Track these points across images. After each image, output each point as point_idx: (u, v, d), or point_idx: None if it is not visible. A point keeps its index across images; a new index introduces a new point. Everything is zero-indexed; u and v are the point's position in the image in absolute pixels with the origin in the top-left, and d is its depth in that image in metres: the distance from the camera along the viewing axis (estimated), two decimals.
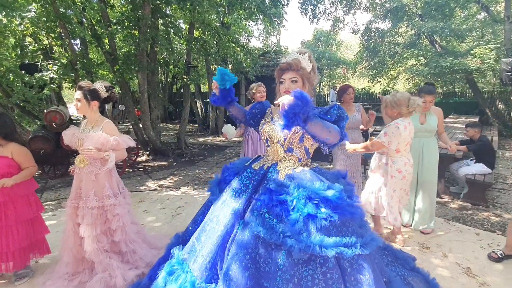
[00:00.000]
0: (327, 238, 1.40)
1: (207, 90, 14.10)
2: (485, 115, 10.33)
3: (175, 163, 6.54)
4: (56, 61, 5.67)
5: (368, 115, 3.64)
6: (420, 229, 3.10)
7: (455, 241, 2.95)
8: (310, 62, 1.72)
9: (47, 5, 5.10)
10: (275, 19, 9.66)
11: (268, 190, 1.58)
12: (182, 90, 12.84)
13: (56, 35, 5.80)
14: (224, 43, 7.49)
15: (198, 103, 12.18)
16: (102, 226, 2.22)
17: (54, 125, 5.36)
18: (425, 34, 10.63)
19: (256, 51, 11.98)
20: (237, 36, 12.11)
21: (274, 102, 1.55)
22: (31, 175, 2.38)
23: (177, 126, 9.81)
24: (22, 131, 5.75)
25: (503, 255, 2.58)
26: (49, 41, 6.57)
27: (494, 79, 12.41)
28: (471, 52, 9.15)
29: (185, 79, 7.74)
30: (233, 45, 7.82)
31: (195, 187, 4.84)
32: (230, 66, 9.23)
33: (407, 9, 10.95)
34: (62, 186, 5.02)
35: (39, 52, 6.87)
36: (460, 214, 3.64)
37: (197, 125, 12.50)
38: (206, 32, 7.42)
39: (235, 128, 3.40)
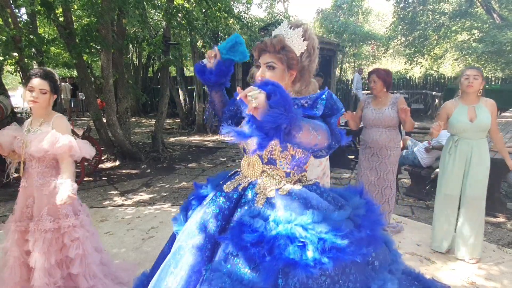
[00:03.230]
0: None
1: (193, 75, 14.17)
2: None
3: (149, 170, 6.57)
4: None
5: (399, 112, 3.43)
6: (467, 259, 3.12)
7: (510, 273, 2.96)
8: (304, 40, 1.62)
9: None
10: None
11: (239, 224, 1.49)
12: (159, 75, 12.96)
13: None
14: (213, 13, 7.54)
15: (181, 92, 12.26)
16: (57, 255, 2.25)
17: None
18: (480, 0, 10.66)
19: (256, 23, 12.06)
20: (232, 2, 12.18)
21: (237, 90, 1.35)
22: None
23: (153, 122, 9.88)
24: None
25: None
26: None
27: None
28: None
29: (163, 60, 7.82)
30: (225, 15, 7.88)
31: (174, 201, 4.89)
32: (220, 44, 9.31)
33: None
34: (2, 200, 5.07)
35: None
36: None
37: (179, 120, 12.62)
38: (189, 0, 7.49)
39: None
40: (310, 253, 1.35)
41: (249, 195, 1.59)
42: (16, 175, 2.41)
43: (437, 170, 4.89)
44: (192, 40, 9.72)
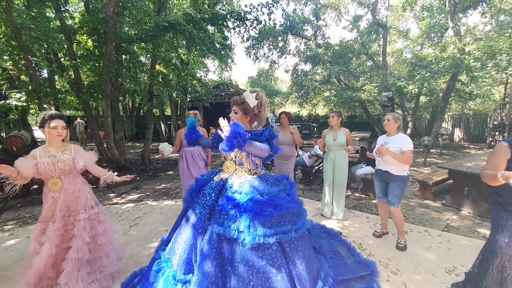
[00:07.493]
0: (269, 230, 1.51)
1: (170, 114, 13.43)
2: (375, 131, 11.74)
3: (138, 177, 5.97)
4: (20, 90, 4.88)
5: (293, 135, 3.45)
6: (338, 218, 3.26)
7: (353, 224, 3.17)
8: (256, 99, 1.80)
9: (12, 41, 4.41)
10: (225, 58, 9.80)
11: (225, 197, 1.62)
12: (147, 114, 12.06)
13: (20, 66, 5.01)
14: (183, 76, 7.27)
15: (162, 125, 11.58)
16: (90, 233, 1.96)
17: (15, 149, 4.56)
18: (334, 75, 11.84)
19: (211, 83, 11.90)
20: (196, 70, 11.89)
21: (219, 126, 1.70)
22: None
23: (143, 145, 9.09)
24: None
25: (382, 232, 2.87)
26: (14, 72, 5.66)
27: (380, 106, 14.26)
28: (363, 88, 10.43)
29: (148, 105, 7.30)
30: (191, 78, 7.65)
31: (155, 198, 4.44)
32: (189, 97, 8.97)
33: (321, 57, 12.07)
34: (23, 206, 4.21)
35: (3, 82, 5.85)
36: (357, 203, 3.93)
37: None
38: (167, 68, 7.15)
39: (171, 146, 3.23)
40: (265, 208, 1.54)
41: (229, 181, 1.72)
42: (35, 186, 2.00)
43: (316, 167, 5.13)
44: (169, 93, 9.29)
